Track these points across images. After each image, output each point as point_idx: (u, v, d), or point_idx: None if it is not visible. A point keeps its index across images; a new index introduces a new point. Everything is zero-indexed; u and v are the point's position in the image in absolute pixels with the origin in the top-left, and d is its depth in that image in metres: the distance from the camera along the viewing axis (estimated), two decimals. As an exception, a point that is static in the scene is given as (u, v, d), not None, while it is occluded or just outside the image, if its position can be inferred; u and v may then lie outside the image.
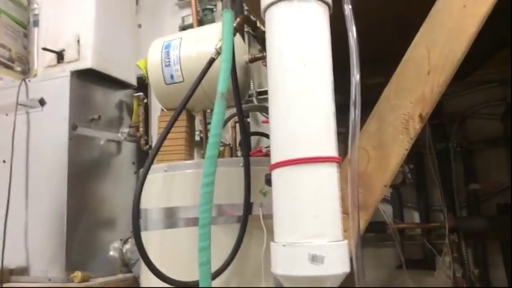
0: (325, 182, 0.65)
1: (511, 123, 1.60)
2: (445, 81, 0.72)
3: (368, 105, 0.87)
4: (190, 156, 1.43)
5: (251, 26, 1.31)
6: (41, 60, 2.07)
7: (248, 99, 2.08)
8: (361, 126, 0.83)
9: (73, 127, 1.86)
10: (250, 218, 1.10)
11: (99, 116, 1.98)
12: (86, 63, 1.96)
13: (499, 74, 1.68)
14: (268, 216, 0.83)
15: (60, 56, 2.01)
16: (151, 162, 1.04)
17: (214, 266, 1.04)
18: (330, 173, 0.66)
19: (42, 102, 1.92)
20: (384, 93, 0.77)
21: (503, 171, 1.80)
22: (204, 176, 0.76)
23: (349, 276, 0.66)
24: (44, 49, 2.00)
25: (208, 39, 1.30)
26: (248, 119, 2.12)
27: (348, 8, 0.71)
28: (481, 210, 1.84)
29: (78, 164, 1.85)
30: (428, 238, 1.88)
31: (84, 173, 1.88)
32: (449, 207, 1.83)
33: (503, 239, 1.76)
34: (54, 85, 1.92)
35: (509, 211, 1.72)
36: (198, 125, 1.87)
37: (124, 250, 1.95)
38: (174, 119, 1.09)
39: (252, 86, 2.07)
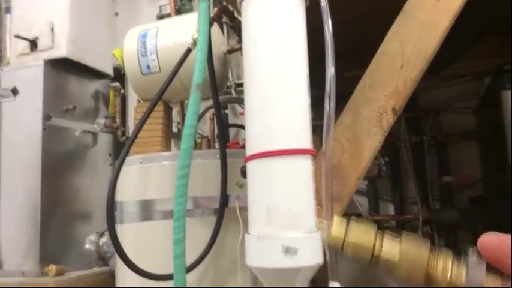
0: (300, 174, 0.65)
1: (484, 117, 1.64)
2: (418, 76, 0.73)
3: (347, 97, 0.88)
4: (168, 148, 1.42)
5: (229, 17, 1.30)
6: (14, 48, 2.02)
7: (226, 91, 2.07)
8: (338, 119, 0.84)
9: (47, 117, 1.82)
10: (227, 210, 1.10)
11: (74, 107, 1.94)
12: (60, 51, 1.92)
13: (473, 69, 1.71)
14: (245, 209, 0.83)
15: (33, 44, 1.96)
16: (127, 154, 1.03)
17: (191, 258, 1.04)
18: (305, 166, 0.66)
19: (15, 91, 1.87)
20: (359, 86, 0.77)
21: (475, 164, 1.84)
22: (179, 168, 0.75)
23: (323, 268, 0.67)
24: (17, 37, 1.95)
25: (186, 29, 1.29)
26: (226, 111, 2.11)
27: (323, 0, 0.71)
28: (454, 203, 1.88)
29: (52, 155, 1.82)
30: (403, 230, 1.91)
31: (58, 164, 1.85)
32: (423, 199, 1.87)
33: (474, 230, 1.81)
34: (27, 74, 1.88)
35: (480, 203, 1.76)
36: (176, 117, 1.85)
37: (100, 243, 1.93)
38: (150, 110, 1.08)
39: (230, 77, 2.06)
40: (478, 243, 0.32)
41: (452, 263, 0.32)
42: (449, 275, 0.31)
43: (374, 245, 0.33)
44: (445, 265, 0.32)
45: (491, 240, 0.32)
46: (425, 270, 0.31)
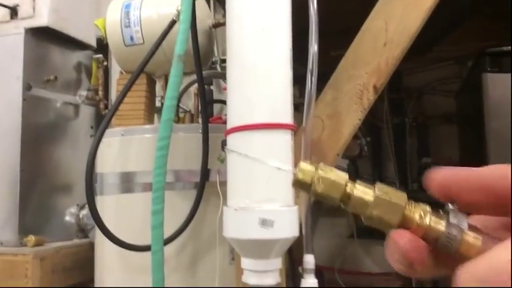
0: (278, 148, 0.66)
1: (464, 100, 1.66)
2: (400, 54, 0.73)
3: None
4: (150, 122, 1.41)
5: (215, -10, 1.28)
6: (-8, 15, 1.95)
7: (212, 66, 2.04)
8: (320, 95, 0.84)
9: (27, 87, 1.78)
10: (208, 184, 1.10)
11: (56, 77, 1.89)
12: (42, 20, 1.86)
13: (456, 52, 1.73)
14: (226, 183, 0.83)
15: (13, 11, 1.90)
16: (107, 125, 1.02)
17: (172, 232, 1.05)
18: (284, 140, 0.67)
19: (-7, 60, 1.82)
20: (341, 63, 0.78)
21: (455, 146, 1.88)
22: (159, 139, 0.75)
23: (299, 241, 0.68)
24: (-5, 3, 1.88)
25: (171, 0, 1.26)
26: (211, 87, 2.09)
27: (309, -25, 0.70)
28: (432, 184, 1.91)
29: (32, 126, 1.78)
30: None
31: (39, 135, 1.82)
32: (402, 180, 1.90)
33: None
34: (7, 42, 1.82)
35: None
36: (159, 91, 1.83)
37: (81, 215, 1.92)
38: (131, 82, 1.07)
39: (216, 52, 2.04)
40: (432, 181, 0.28)
41: (431, 211, 0.30)
42: (428, 219, 0.29)
43: (347, 182, 0.30)
44: (424, 210, 0.29)
45: (449, 174, 0.27)
46: (402, 211, 0.29)
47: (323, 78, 0.78)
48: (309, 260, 0.73)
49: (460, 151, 1.82)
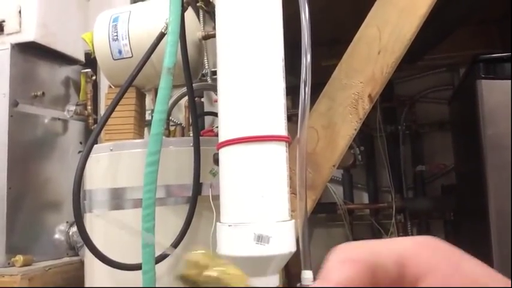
0: (273, 161, 0.64)
1: (457, 107, 1.66)
2: (394, 62, 0.72)
3: (324, 86, 0.86)
4: (140, 136, 1.38)
5: (203, 1, 1.27)
6: (-22, 31, 1.92)
7: (202, 79, 2.03)
8: (314, 106, 0.82)
9: (14, 104, 1.74)
10: (200, 198, 1.07)
11: (43, 93, 1.86)
12: (29, 35, 1.83)
13: (448, 60, 1.73)
14: (218, 197, 0.81)
15: (-1, 27, 1.87)
16: (95, 140, 0.99)
17: (164, 248, 1.02)
18: (278, 152, 0.65)
19: (-21, 76, 1.78)
20: (335, 73, 0.76)
21: (448, 153, 1.87)
22: (149, 154, 0.72)
23: (296, 256, 0.66)
24: (-19, 19, 1.85)
25: (159, 13, 1.25)
26: (202, 99, 2.08)
27: (300, -16, 0.69)
28: (427, 191, 1.90)
29: (19, 143, 1.75)
30: (377, 218, 1.93)
31: (26, 152, 1.78)
32: (397, 188, 1.88)
33: (445, 218, 1.84)
34: (-8, 58, 1.79)
35: (452, 192, 1.79)
36: (149, 104, 1.81)
37: (70, 233, 1.88)
38: (120, 96, 1.04)
39: (206, 64, 2.02)
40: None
41: None
42: None
43: None
44: None
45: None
46: None
47: (315, 89, 0.76)
48: (308, 276, 0.70)
49: (455, 158, 1.81)
